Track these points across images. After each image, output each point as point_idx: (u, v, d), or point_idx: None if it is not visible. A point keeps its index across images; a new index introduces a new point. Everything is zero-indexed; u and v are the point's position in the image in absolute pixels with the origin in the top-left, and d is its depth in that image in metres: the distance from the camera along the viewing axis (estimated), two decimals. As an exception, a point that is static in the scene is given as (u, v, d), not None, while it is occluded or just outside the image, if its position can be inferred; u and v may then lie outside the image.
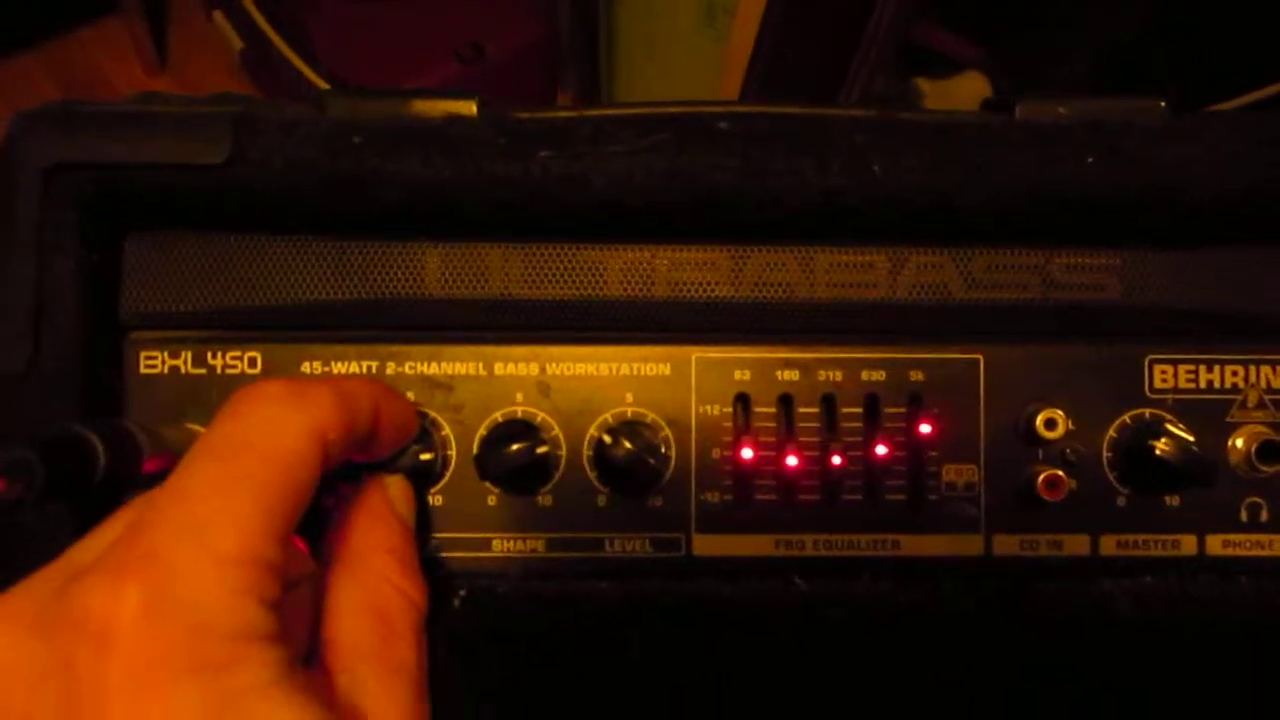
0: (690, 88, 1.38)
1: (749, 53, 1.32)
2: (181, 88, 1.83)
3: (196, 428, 0.36)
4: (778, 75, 1.29)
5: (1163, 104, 0.39)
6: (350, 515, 0.33)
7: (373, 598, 0.31)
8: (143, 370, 0.37)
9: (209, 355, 0.37)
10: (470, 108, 0.38)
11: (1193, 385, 0.38)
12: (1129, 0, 1.28)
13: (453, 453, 0.37)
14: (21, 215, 0.35)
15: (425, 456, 0.36)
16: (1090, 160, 0.35)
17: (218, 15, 1.62)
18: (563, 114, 0.38)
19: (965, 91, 1.47)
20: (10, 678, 0.24)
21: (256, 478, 0.26)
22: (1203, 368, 0.38)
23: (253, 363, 0.37)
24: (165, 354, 0.37)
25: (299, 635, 0.30)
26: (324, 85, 1.10)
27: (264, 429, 0.27)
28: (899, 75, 1.45)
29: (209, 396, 0.37)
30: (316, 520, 0.32)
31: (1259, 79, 0.85)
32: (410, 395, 0.37)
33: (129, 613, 0.23)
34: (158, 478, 0.33)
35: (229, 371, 0.37)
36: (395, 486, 0.34)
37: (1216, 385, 0.38)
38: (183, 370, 0.37)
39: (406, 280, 0.38)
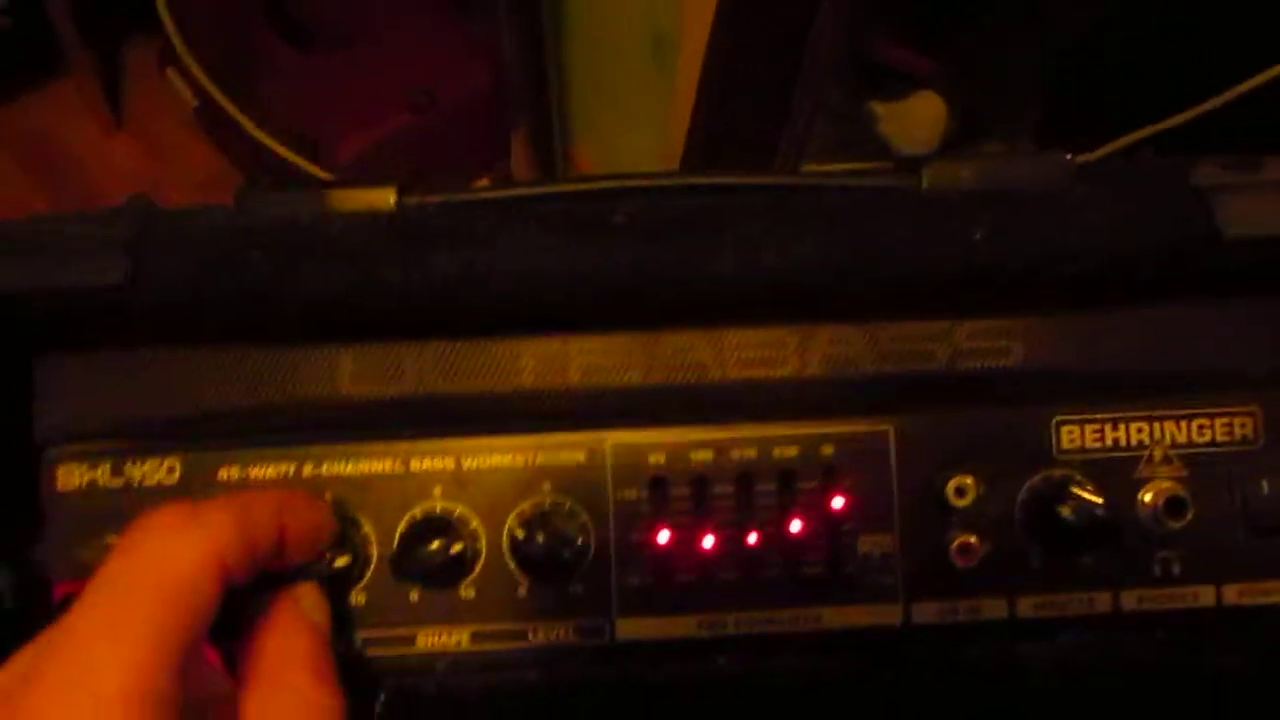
0: (642, 123, 1.39)
1: (695, 87, 1.33)
2: (141, 144, 1.83)
3: (115, 541, 0.37)
4: (727, 105, 1.30)
5: (1070, 157, 0.40)
6: (262, 629, 0.33)
7: (287, 715, 0.31)
8: (60, 487, 0.37)
9: (126, 465, 0.38)
10: (388, 198, 0.38)
11: (1099, 444, 0.39)
12: (1078, 3, 1.29)
13: (373, 551, 0.37)
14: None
15: (341, 562, 0.36)
16: (977, 237, 0.36)
17: (170, 72, 1.63)
18: (477, 196, 0.39)
19: (920, 114, 1.49)
20: None
21: (146, 612, 0.26)
22: (1108, 426, 0.39)
23: (170, 470, 0.38)
24: (84, 467, 0.38)
25: None
26: (272, 143, 1.10)
27: (157, 561, 0.27)
28: (855, 97, 1.47)
29: (128, 509, 0.37)
30: (233, 630, 0.32)
31: (1210, 81, 0.86)
32: (328, 495, 0.37)
33: None
34: (72, 601, 0.33)
35: (147, 483, 0.37)
36: (308, 596, 0.34)
37: (1123, 443, 0.39)
38: (100, 483, 0.37)
39: (320, 382, 0.38)
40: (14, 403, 0.37)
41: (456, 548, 0.36)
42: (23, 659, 0.29)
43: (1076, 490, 0.37)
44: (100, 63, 1.72)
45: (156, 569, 0.27)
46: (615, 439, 0.38)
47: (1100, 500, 0.37)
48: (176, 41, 1.11)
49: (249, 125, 1.14)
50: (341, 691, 0.33)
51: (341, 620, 0.36)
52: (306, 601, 0.34)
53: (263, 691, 0.31)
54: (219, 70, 1.27)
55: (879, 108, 1.48)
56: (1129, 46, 1.19)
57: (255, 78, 1.47)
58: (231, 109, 1.14)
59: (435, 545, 0.36)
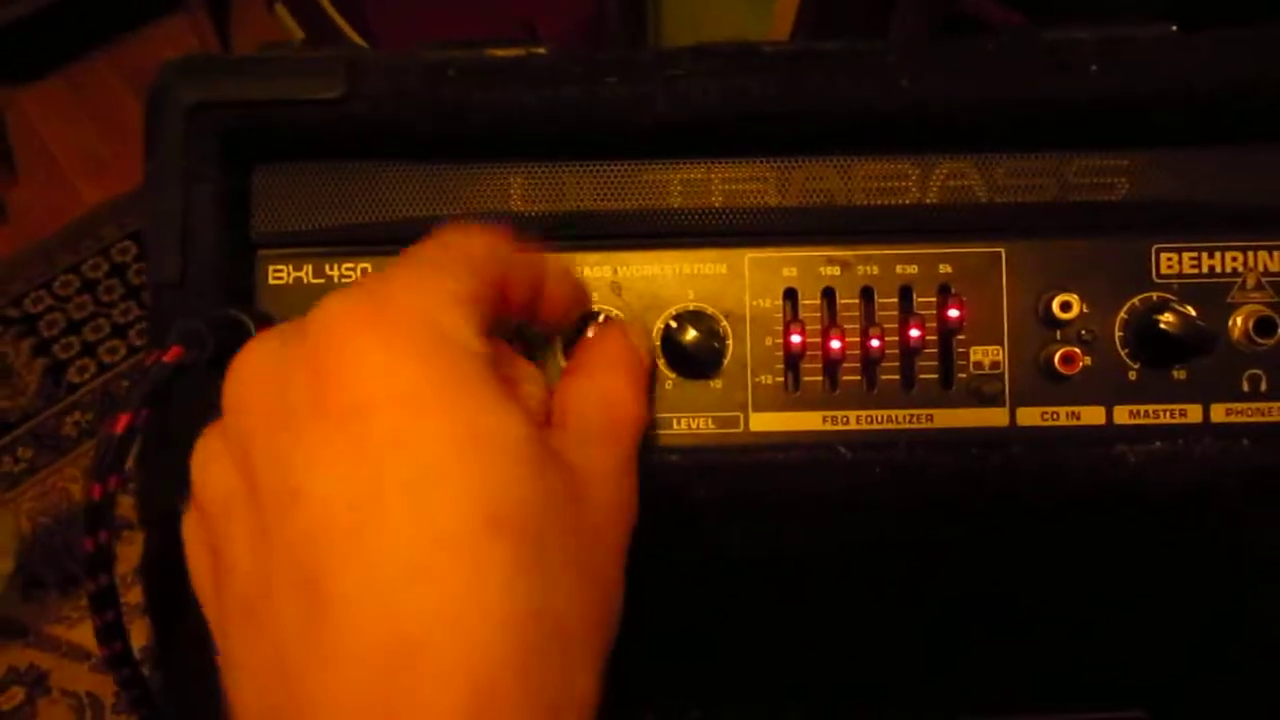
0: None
1: (790, 30, 1.36)
2: (244, 79, 1.89)
3: None
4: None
5: (1174, 28, 0.44)
6: (590, 340, 0.38)
7: (605, 394, 0.34)
8: (271, 282, 0.43)
9: (327, 267, 0.43)
10: (541, 51, 0.43)
11: (1196, 270, 0.42)
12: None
13: (543, 348, 0.43)
14: (168, 150, 0.42)
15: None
16: (1094, 69, 0.40)
17: (279, 8, 1.70)
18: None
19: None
20: (271, 367, 0.28)
21: (449, 256, 0.31)
22: (1205, 254, 0.42)
23: (364, 272, 0.43)
24: (289, 267, 0.43)
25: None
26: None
27: (459, 235, 0.32)
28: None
29: (329, 302, 0.43)
30: None
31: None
32: None
33: (349, 309, 0.27)
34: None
35: (344, 280, 0.43)
36: (636, 331, 0.39)
37: (1218, 270, 0.42)
38: (305, 281, 0.43)
39: (494, 198, 0.43)
40: (238, 206, 0.43)
41: None
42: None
43: (1175, 305, 0.41)
44: (212, -1, 1.80)
45: (457, 243, 0.32)
46: (752, 255, 0.43)
47: (1195, 314, 0.41)
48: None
49: (362, 44, 1.20)
50: (649, 415, 0.36)
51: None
52: (634, 333, 0.38)
53: (585, 376, 0.35)
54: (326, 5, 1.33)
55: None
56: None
57: (361, 11, 1.53)
58: (345, 27, 1.20)
59: (594, 334, 0.41)
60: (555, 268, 0.36)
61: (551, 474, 0.28)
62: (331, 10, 1.19)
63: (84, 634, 1.58)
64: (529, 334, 0.41)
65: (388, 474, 0.26)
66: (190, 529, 0.31)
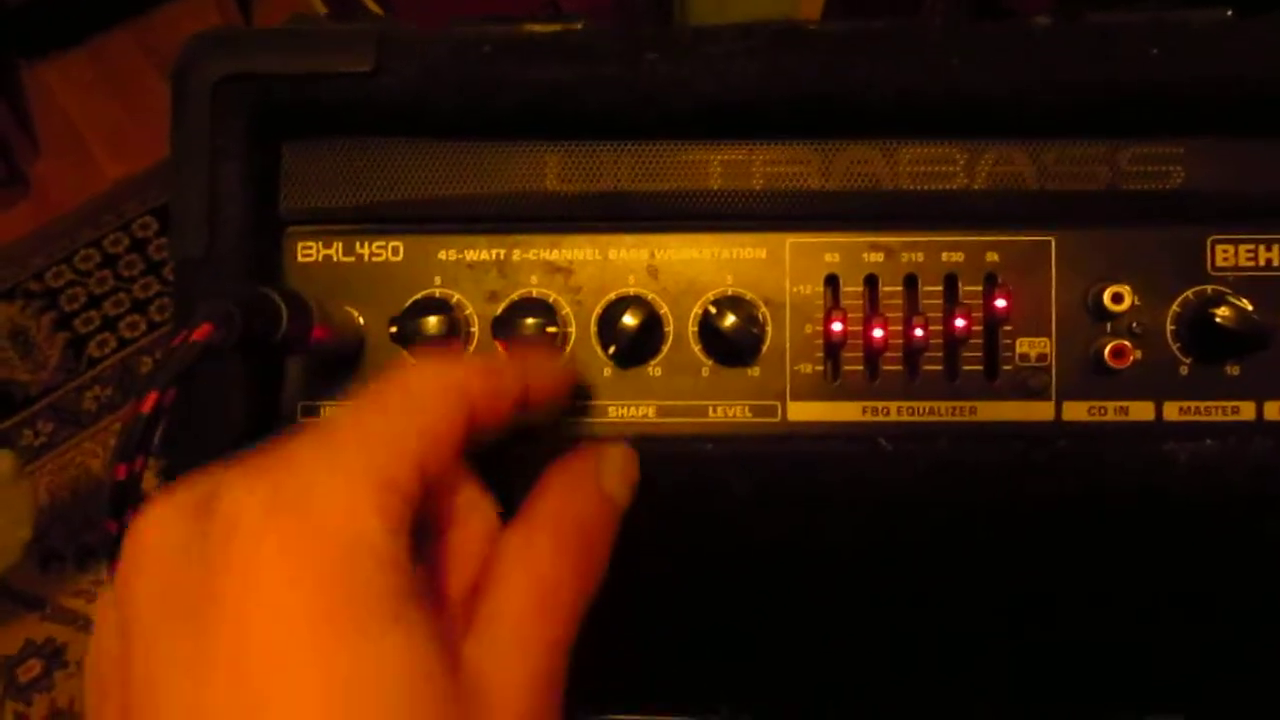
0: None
1: (820, 13, 1.34)
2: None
3: (350, 309, 0.42)
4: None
5: (1229, 12, 0.42)
6: (550, 476, 0.33)
7: (540, 579, 0.30)
8: (300, 259, 0.42)
9: (357, 245, 0.42)
10: (577, 26, 0.42)
11: (1252, 263, 0.41)
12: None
13: (572, 330, 0.42)
14: (195, 124, 0.41)
15: (551, 329, 0.40)
16: (1154, 52, 0.38)
17: (302, -19, 1.69)
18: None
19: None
20: (167, 551, 0.27)
21: (394, 412, 0.28)
22: (1262, 247, 0.41)
23: (395, 251, 0.42)
24: (319, 244, 0.42)
25: (440, 581, 0.30)
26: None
27: (406, 379, 0.30)
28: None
29: (358, 281, 0.42)
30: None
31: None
32: (533, 279, 0.42)
33: (255, 506, 0.26)
34: (325, 347, 0.38)
35: (374, 259, 0.42)
36: (612, 459, 0.35)
37: (1275, 263, 0.41)
38: (334, 258, 0.42)
39: (529, 177, 0.42)
40: (266, 181, 0.42)
41: (648, 323, 0.40)
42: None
43: (1230, 298, 0.40)
44: (236, -28, 1.79)
45: (404, 385, 0.29)
46: (794, 239, 0.42)
47: (1252, 308, 0.39)
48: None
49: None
50: (604, 567, 0.32)
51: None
52: (608, 462, 0.34)
53: (512, 560, 0.30)
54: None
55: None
56: None
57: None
58: (369, 2, 1.18)
59: (630, 320, 0.40)
60: (533, 365, 0.34)
61: (442, 711, 0.25)
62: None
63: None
64: (549, 299, 0.41)
65: (260, 703, 0.24)
66: (85, 679, 0.29)
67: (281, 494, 0.26)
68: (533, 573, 0.30)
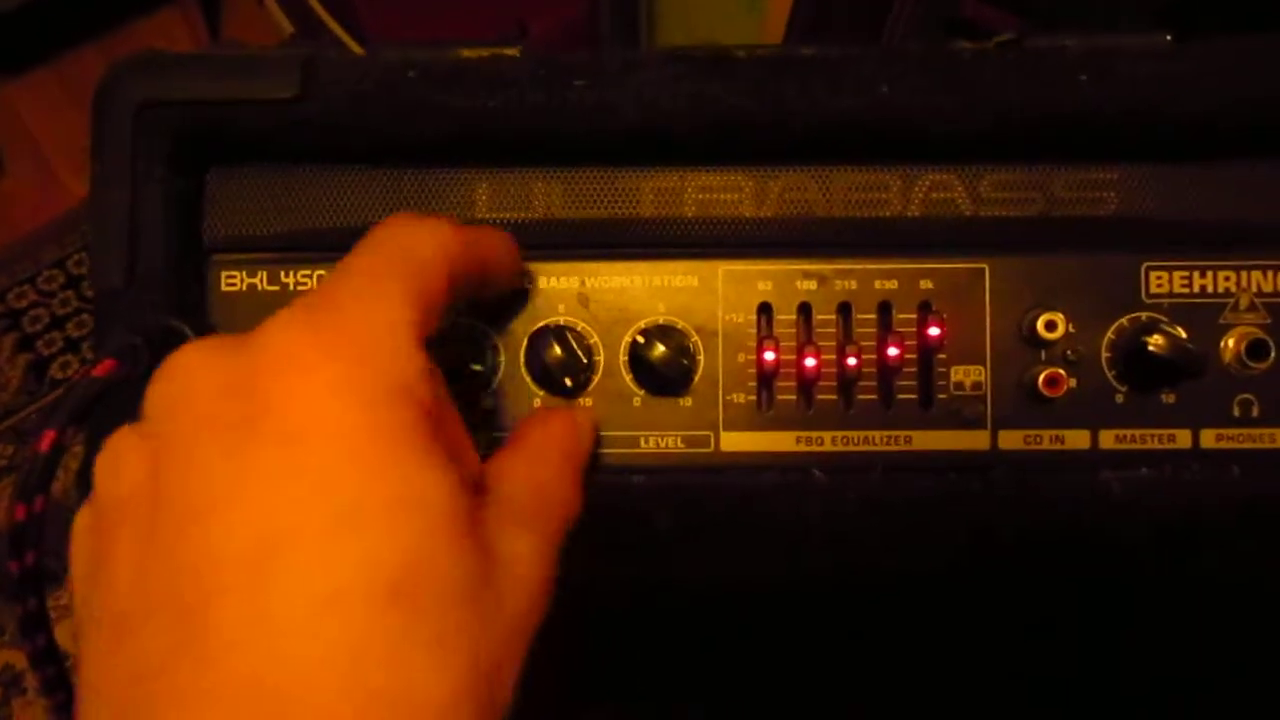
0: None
1: (784, 32, 1.34)
2: (235, 74, 1.88)
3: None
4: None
5: (1168, 37, 0.42)
6: (534, 419, 0.37)
7: (539, 478, 0.33)
8: (224, 288, 0.42)
9: (282, 274, 0.41)
10: (513, 52, 0.41)
11: (1187, 290, 0.41)
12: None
13: (501, 359, 0.41)
14: (116, 148, 0.40)
15: (476, 367, 0.39)
16: (1083, 79, 0.38)
17: (269, 1, 1.68)
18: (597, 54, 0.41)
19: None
20: (211, 380, 0.27)
21: (399, 269, 0.29)
22: (1196, 273, 0.41)
23: (321, 279, 0.41)
24: (243, 273, 0.42)
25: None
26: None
27: (404, 241, 0.31)
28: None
29: (283, 311, 0.41)
30: None
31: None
32: (461, 308, 0.41)
33: (308, 345, 0.26)
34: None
35: (300, 288, 0.41)
36: (584, 416, 0.38)
37: (1209, 290, 0.41)
38: (259, 287, 0.41)
39: (458, 204, 0.42)
40: (189, 209, 0.41)
41: (577, 354, 0.39)
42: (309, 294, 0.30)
43: (1164, 326, 0.39)
44: (204, -9, 1.78)
45: (403, 248, 0.30)
46: (727, 267, 0.41)
47: (1186, 336, 0.39)
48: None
49: (350, 41, 1.18)
50: (580, 506, 0.35)
51: (472, 422, 0.40)
52: (581, 417, 0.38)
53: (514, 460, 0.34)
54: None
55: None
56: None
57: (352, 7, 1.51)
58: (332, 24, 1.18)
59: (558, 351, 0.39)
60: (493, 237, 0.35)
61: (469, 553, 0.27)
62: (318, 7, 1.17)
63: (62, 634, 1.55)
64: (476, 332, 0.40)
65: (306, 513, 0.24)
66: (80, 527, 0.29)
67: (323, 328, 0.27)
68: (534, 468, 0.34)
